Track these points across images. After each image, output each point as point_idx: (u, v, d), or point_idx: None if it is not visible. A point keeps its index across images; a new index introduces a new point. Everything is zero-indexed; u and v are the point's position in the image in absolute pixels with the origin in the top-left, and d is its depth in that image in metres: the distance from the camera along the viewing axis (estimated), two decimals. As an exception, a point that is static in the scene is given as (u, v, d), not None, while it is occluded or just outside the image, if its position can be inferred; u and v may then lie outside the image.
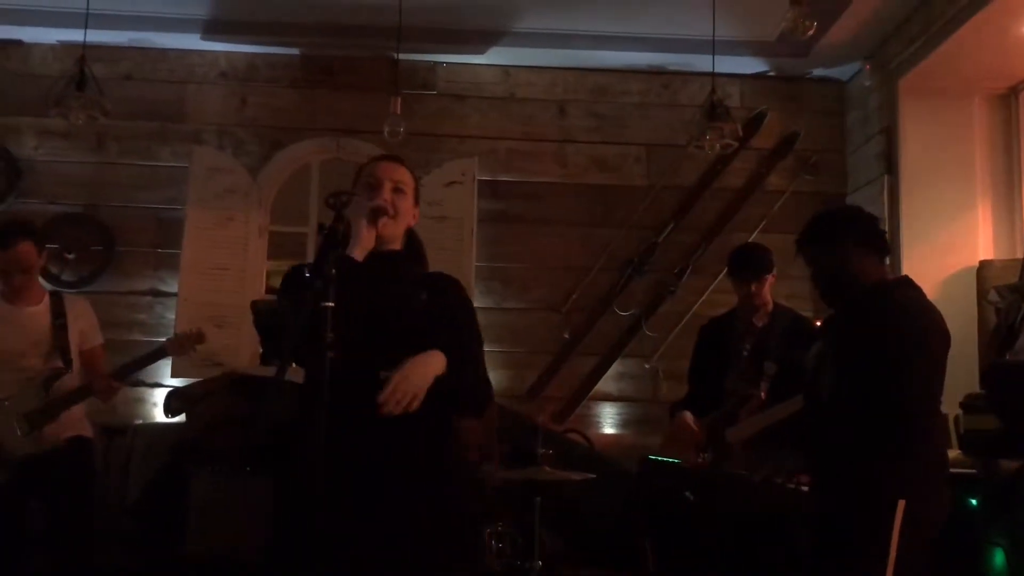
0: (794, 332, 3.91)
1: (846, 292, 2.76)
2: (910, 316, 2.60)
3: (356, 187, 2.42)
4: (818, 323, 4.84)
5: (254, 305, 4.71)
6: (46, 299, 3.67)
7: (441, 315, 2.37)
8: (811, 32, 3.85)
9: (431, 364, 2.24)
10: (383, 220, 2.34)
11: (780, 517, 3.46)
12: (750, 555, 3.67)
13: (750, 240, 5.33)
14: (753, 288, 3.88)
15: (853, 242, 2.73)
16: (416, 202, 2.50)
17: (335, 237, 2.14)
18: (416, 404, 2.18)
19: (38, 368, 3.52)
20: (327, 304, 2.04)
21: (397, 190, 2.41)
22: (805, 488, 2.99)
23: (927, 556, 2.49)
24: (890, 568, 2.40)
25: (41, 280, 3.92)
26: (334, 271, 2.05)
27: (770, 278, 3.93)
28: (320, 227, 2.18)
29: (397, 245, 2.44)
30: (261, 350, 4.95)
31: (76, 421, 3.62)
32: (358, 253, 2.24)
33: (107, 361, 3.79)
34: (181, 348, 3.71)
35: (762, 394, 3.76)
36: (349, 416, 2.07)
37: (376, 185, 2.40)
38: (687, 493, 3.70)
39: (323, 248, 2.12)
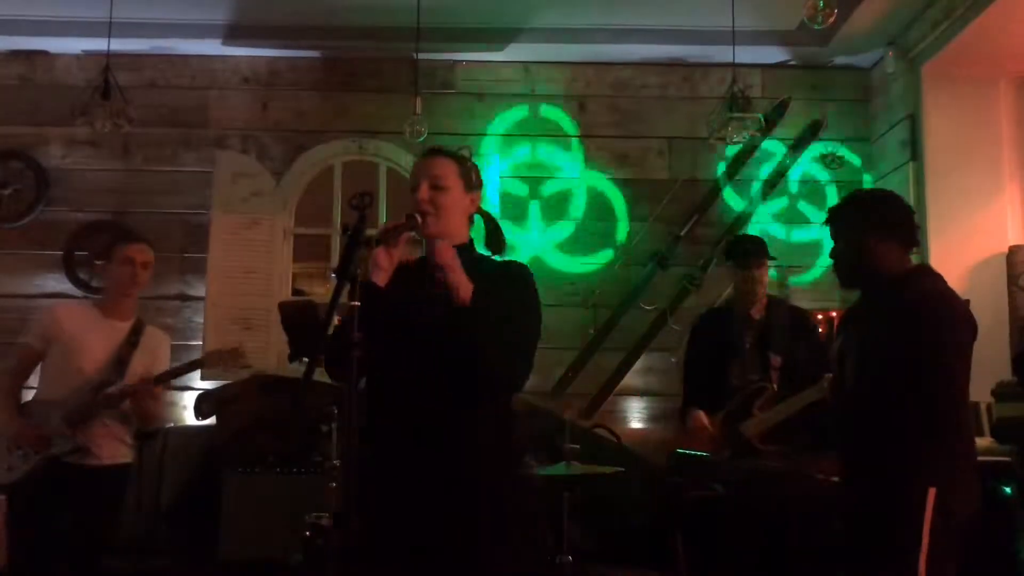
0: (794, 322, 3.93)
1: (863, 279, 2.73)
2: (933, 306, 2.57)
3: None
4: (833, 315, 4.85)
5: (281, 306, 4.74)
6: (131, 320, 3.70)
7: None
8: (832, 19, 3.81)
9: None
10: (428, 220, 2.33)
11: (812, 509, 3.44)
12: (782, 549, 3.65)
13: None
14: (755, 273, 3.89)
15: (877, 229, 2.67)
16: (470, 188, 2.44)
17: (358, 237, 2.14)
18: None
19: (96, 379, 3.55)
20: (353, 303, 2.05)
21: (435, 187, 2.37)
22: (836, 480, 2.98)
23: (961, 545, 2.47)
24: (923, 557, 2.39)
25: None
26: (359, 289, 2.06)
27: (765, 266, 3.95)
28: (344, 228, 2.19)
29: (456, 240, 2.38)
30: (289, 351, 4.99)
31: (123, 445, 3.63)
32: (381, 278, 2.25)
33: (163, 395, 3.82)
34: (219, 362, 3.69)
35: (774, 386, 3.76)
36: (394, 418, 2.07)
37: (415, 187, 2.39)
38: (716, 486, 3.70)
39: (347, 249, 2.12)
